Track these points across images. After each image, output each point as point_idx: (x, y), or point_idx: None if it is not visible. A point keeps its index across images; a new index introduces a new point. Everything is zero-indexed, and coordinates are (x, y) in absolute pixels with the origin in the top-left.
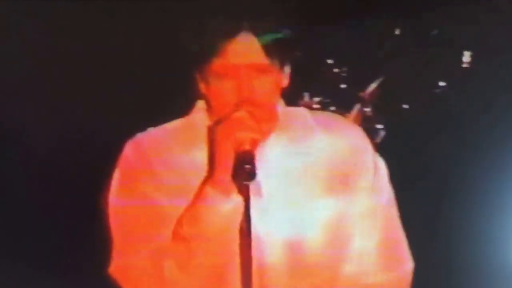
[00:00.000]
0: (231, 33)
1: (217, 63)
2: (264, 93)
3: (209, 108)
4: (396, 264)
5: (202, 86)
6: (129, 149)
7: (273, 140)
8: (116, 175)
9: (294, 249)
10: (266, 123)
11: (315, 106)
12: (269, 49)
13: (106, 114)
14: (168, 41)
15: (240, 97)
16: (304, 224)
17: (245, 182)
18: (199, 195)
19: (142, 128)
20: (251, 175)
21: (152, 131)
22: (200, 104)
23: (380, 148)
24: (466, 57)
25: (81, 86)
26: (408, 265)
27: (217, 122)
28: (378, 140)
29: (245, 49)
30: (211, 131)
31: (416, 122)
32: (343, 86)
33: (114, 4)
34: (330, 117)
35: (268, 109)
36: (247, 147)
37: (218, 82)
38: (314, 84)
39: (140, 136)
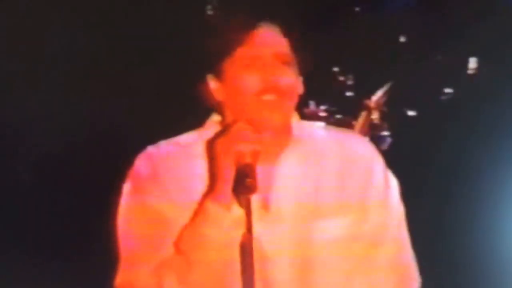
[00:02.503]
0: (253, 22)
1: (241, 52)
2: (288, 84)
3: (223, 117)
4: (405, 282)
5: (218, 91)
6: (140, 162)
7: (285, 154)
8: (126, 188)
9: (302, 265)
10: (277, 133)
11: (321, 114)
12: (293, 41)
13: (118, 126)
14: (183, 51)
15: (265, 85)
16: (312, 240)
17: (246, 196)
18: (200, 209)
19: (154, 141)
20: (252, 188)
21: (163, 145)
22: (214, 117)
23: (387, 155)
24: (472, 63)
25: (92, 98)
26: (415, 284)
27: (216, 136)
28: (385, 147)
29: (270, 37)
30: (210, 144)
31: (423, 128)
32: (349, 94)
33: (129, 11)
34: (344, 133)
35: (292, 97)
36: (247, 160)
37: (242, 72)
38: (320, 92)
39: (151, 149)
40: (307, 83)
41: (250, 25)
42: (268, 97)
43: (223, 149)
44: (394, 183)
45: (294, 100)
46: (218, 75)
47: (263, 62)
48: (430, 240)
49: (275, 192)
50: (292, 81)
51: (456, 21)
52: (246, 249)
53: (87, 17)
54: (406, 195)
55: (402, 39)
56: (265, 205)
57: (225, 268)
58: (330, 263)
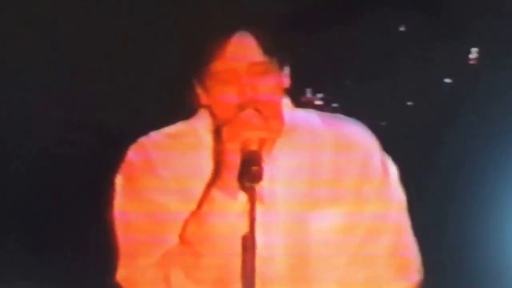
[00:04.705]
0: (227, 33)
1: (216, 66)
2: (267, 92)
3: (212, 114)
4: (406, 273)
5: (203, 96)
6: (132, 153)
7: (279, 143)
8: (120, 180)
9: (297, 257)
10: (274, 121)
11: (317, 102)
12: (267, 48)
13: (108, 118)
14: (171, 44)
15: (243, 99)
16: (308, 231)
17: (251, 184)
18: (205, 197)
19: (144, 132)
20: (258, 176)
21: (154, 135)
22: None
23: (383, 146)
24: (472, 53)
25: (82, 90)
26: (417, 275)
27: (224, 122)
28: (381, 137)
29: (243, 48)
30: (217, 131)
31: (421, 119)
32: (346, 82)
33: (116, 9)
34: (339, 119)
35: (273, 108)
36: (254, 147)
37: (220, 87)
38: (317, 80)
39: (143, 140)
40: (303, 70)
41: (221, 38)
42: (247, 111)
43: (231, 135)
44: (393, 170)
45: (277, 106)
46: (201, 85)
47: (239, 75)
48: (430, 231)
49: (268, 184)
50: (270, 90)
51: (456, 11)
52: (248, 241)
53: (79, 10)
54: (405, 186)
55: (401, 28)
56: (259, 197)
57: (233, 258)
58: (327, 254)
